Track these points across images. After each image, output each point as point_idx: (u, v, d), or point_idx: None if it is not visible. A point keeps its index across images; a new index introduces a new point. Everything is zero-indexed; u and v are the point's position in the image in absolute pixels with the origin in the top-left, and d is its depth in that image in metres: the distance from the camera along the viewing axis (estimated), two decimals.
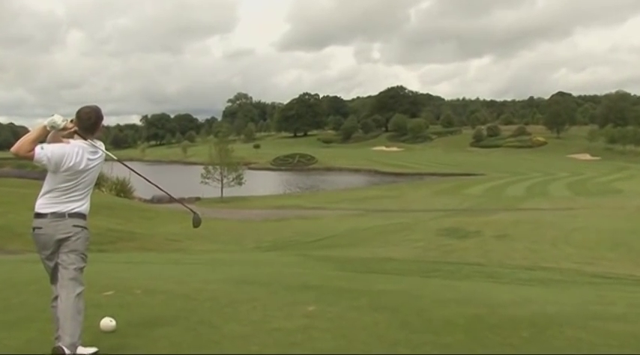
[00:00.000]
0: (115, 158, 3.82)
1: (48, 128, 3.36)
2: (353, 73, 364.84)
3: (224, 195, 42.60)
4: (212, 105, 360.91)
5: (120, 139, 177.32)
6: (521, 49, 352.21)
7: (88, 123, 3.43)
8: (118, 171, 31.08)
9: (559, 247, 15.71)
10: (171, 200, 29.70)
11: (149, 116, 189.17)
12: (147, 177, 4.43)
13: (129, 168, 4.54)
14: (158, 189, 4.20)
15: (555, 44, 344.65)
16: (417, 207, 33.79)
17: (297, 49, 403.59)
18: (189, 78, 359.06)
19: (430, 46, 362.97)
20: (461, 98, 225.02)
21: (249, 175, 59.60)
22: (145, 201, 38.27)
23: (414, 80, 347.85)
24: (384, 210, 32.33)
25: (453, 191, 45.49)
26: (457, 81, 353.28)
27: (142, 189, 37.30)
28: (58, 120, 3.36)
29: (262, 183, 64.77)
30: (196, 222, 4.10)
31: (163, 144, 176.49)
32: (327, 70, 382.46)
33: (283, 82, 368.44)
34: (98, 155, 3.49)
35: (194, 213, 4.07)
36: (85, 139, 3.42)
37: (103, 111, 3.55)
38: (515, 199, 37.56)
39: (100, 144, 3.52)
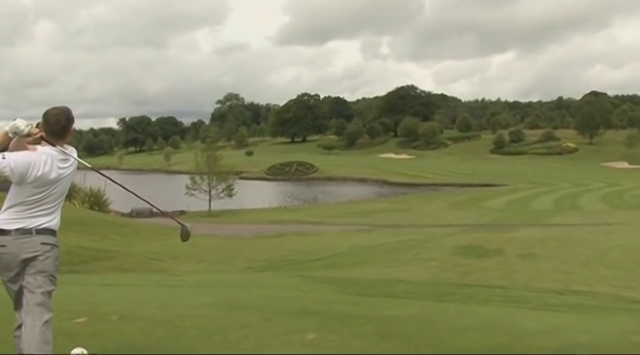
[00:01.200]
0: (88, 166, 3.80)
1: (10, 134, 3.33)
2: (359, 70, 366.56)
3: (212, 208, 42.58)
4: (199, 106, 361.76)
5: (94, 145, 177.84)
6: (550, 42, 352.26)
7: (56, 127, 3.39)
8: (91, 181, 31.09)
9: (593, 268, 15.66)
10: (153, 214, 29.52)
11: (128, 119, 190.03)
12: (126, 187, 4.41)
13: (105, 176, 4.52)
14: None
15: (589, 37, 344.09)
16: (430, 221, 33.74)
17: (296, 44, 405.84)
18: (174, 76, 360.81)
19: (446, 40, 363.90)
20: (480, 99, 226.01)
21: (240, 186, 59.60)
22: (123, 215, 38.24)
23: (427, 78, 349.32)
24: (393, 225, 32.27)
25: (471, 204, 45.44)
26: (476, 79, 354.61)
27: (119, 202, 37.30)
28: (22, 125, 3.32)
29: (255, 195, 64.71)
30: (185, 235, 4.08)
31: (144, 151, 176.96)
32: (329, 67, 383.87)
33: (280, 81, 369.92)
34: (69, 163, 3.44)
35: (182, 225, 4.05)
36: (54, 145, 3.38)
37: (75, 113, 3.52)
38: (542, 213, 37.51)
39: (72, 151, 3.48)
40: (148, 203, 4.27)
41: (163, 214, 4.86)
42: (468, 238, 22.13)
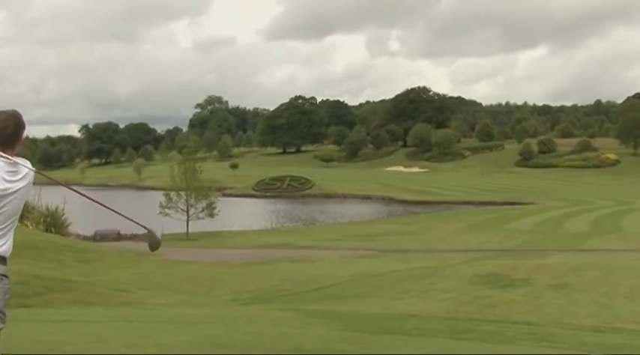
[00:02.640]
0: (49, 178, 3.78)
1: None
2: (363, 69, 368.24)
3: (191, 230, 42.49)
4: (176, 111, 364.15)
5: (52, 156, 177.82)
6: (589, 36, 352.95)
7: (4, 134, 3.37)
8: (48, 198, 31.01)
9: (638, 302, 15.63)
10: (120, 237, 29.52)
11: (91, 125, 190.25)
12: (95, 201, 4.34)
13: (76, 191, 4.43)
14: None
15: (635, 30, 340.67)
16: (446, 246, 33.71)
17: (290, 38, 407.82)
18: (147, 75, 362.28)
19: (466, 34, 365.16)
20: (504, 102, 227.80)
21: (223, 204, 59.46)
22: (85, 238, 38.13)
23: (442, 79, 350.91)
24: (402, 249, 32.23)
25: (494, 225, 45.43)
26: (500, 80, 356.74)
27: (80, 223, 37.21)
28: None
29: (241, 215, 64.58)
30: (153, 244, 4.03)
31: (110, 163, 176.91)
32: (328, 65, 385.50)
33: (271, 82, 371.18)
34: (21, 176, 3.41)
35: (148, 230, 3.98)
36: (2, 156, 3.36)
37: (29, 117, 3.51)
38: (578, 236, 37.51)
39: (25, 162, 3.45)
40: (130, 219, 4.18)
41: (131, 221, 4.71)
42: (490, 265, 22.09)
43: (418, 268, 23.32)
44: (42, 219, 32.49)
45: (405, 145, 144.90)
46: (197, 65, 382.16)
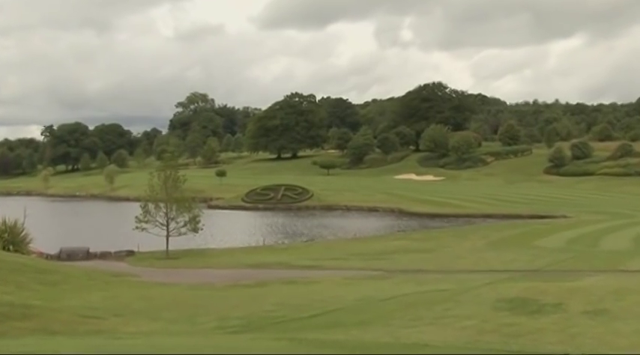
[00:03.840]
0: None
1: None
2: (370, 62, 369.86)
3: (171, 247, 42.41)
4: (154, 110, 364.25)
5: (9, 162, 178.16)
6: (632, 24, 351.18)
7: None
8: (5, 210, 31.03)
9: None
10: (90, 255, 29.73)
11: (56, 127, 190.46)
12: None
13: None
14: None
15: None
16: (465, 265, 33.64)
17: (287, 27, 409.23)
18: (122, 69, 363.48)
19: (489, 22, 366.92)
20: (532, 101, 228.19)
21: (209, 217, 59.31)
22: (49, 257, 38.06)
23: (461, 73, 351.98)
24: (414, 270, 32.17)
25: (520, 242, 45.36)
26: (528, 74, 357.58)
27: (44, 239, 37.17)
28: None
29: (229, 230, 64.52)
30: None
31: (78, 170, 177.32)
32: (331, 58, 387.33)
33: (264, 77, 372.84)
34: None
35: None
36: None
37: None
38: (617, 255, 37.42)
39: None
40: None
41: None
42: (515, 288, 22.06)
43: (433, 291, 23.26)
44: None
45: (417, 150, 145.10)
46: (179, 58, 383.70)
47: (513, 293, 20.50)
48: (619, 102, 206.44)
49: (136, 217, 42.92)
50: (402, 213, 78.40)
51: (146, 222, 42.80)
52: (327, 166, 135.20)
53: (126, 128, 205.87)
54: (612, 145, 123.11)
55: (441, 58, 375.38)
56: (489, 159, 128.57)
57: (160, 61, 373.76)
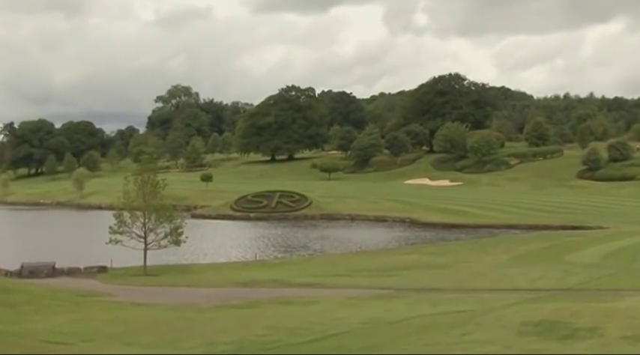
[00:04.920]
0: None
1: None
2: (379, 51, 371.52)
3: (150, 262, 42.36)
4: (131, 106, 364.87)
5: None
6: None
7: None
8: None
9: None
10: (55, 272, 29.72)
11: (17, 125, 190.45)
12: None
13: None
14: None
15: None
16: (486, 283, 33.64)
17: (284, 10, 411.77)
18: (93, 59, 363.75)
19: (516, 4, 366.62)
20: (562, 95, 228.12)
21: (193, 228, 59.13)
22: (8, 273, 38.02)
23: (483, 63, 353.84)
24: (428, 288, 32.16)
25: (549, 256, 45.35)
26: (559, 65, 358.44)
27: (3, 253, 37.12)
28: None
29: (216, 242, 64.47)
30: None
31: (42, 174, 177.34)
32: (334, 46, 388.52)
33: (257, 68, 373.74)
34: None
35: None
36: None
37: None
38: None
39: None
40: None
41: None
42: (544, 310, 22.06)
43: (449, 313, 23.26)
44: None
45: (431, 151, 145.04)
46: (160, 45, 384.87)
47: (541, 316, 20.47)
48: None
49: (110, 228, 42.86)
50: (413, 224, 78.34)
51: (121, 233, 42.73)
52: (328, 170, 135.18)
53: (98, 126, 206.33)
54: None
55: (459, 46, 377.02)
56: (514, 161, 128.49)
57: (137, 48, 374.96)
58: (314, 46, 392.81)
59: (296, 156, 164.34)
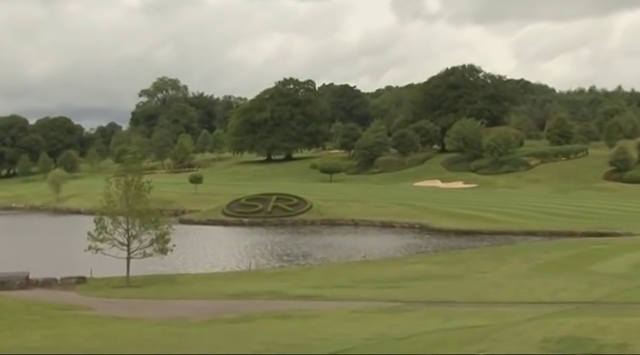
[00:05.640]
0: None
1: None
2: (386, 40, 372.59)
3: (133, 272, 42.38)
4: (113, 100, 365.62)
5: None
6: None
7: None
8: None
9: None
10: (29, 283, 29.76)
11: None
12: None
13: None
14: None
15: None
16: (503, 296, 33.62)
17: None
18: (72, 49, 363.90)
19: None
20: (588, 88, 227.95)
21: (181, 235, 59.08)
22: None
23: (500, 54, 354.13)
24: (440, 301, 32.15)
25: (573, 266, 45.33)
26: (584, 55, 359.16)
27: None
28: None
29: (206, 250, 64.51)
30: None
31: (15, 175, 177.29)
32: (337, 34, 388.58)
33: (252, 58, 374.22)
34: None
35: None
36: None
37: None
38: None
39: None
40: None
41: None
42: (568, 325, 22.07)
43: (463, 328, 23.26)
44: None
45: (442, 150, 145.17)
46: (145, 34, 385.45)
47: (565, 331, 20.45)
48: None
49: (89, 235, 42.89)
50: (423, 230, 78.35)
51: (101, 240, 42.74)
52: (330, 171, 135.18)
53: (76, 122, 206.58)
54: None
55: (474, 35, 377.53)
56: (534, 161, 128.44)
57: (120, 38, 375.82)
58: (314, 35, 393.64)
59: (294, 155, 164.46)
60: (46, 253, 61.10)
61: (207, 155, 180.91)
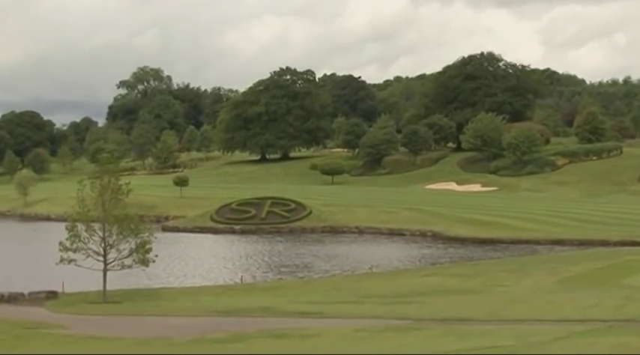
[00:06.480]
0: None
1: None
2: (396, 25, 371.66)
3: (110, 286, 42.40)
4: (88, 93, 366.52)
5: None
6: None
7: None
8: None
9: None
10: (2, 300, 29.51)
11: None
12: None
13: None
14: None
15: None
16: (526, 312, 33.63)
17: None
18: (43, 36, 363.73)
19: None
20: (622, 79, 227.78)
21: (164, 243, 59.00)
22: None
23: (524, 40, 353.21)
24: (455, 318, 32.16)
25: (605, 279, 45.31)
26: (619, 42, 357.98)
27: None
28: None
29: (193, 261, 64.45)
30: None
31: None
32: (341, 19, 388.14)
33: (244, 46, 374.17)
34: None
35: None
36: None
37: None
38: None
39: None
40: None
41: None
42: (599, 345, 22.09)
43: (481, 349, 23.27)
44: None
45: (458, 148, 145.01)
46: (124, 19, 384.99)
47: (596, 352, 20.43)
48: None
49: (61, 244, 42.92)
50: (437, 238, 78.33)
51: (74, 250, 42.76)
52: (332, 172, 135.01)
53: (46, 117, 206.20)
54: None
55: (496, 19, 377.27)
56: (561, 161, 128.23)
57: (97, 23, 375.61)
58: (316, 19, 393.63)
59: (291, 154, 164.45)
60: (12, 264, 61.10)
61: (194, 154, 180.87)
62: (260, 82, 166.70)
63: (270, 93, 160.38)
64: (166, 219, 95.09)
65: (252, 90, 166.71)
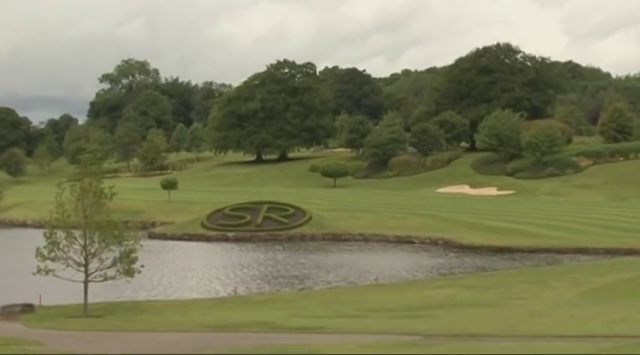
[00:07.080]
0: None
1: None
2: (405, 14, 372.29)
3: (92, 298, 42.44)
4: (67, 88, 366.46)
5: None
6: None
7: None
8: None
9: None
10: None
11: None
12: None
13: None
14: None
15: None
16: (547, 328, 33.66)
17: None
18: (18, 27, 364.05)
19: None
20: None
21: (151, 252, 59.03)
22: None
23: (544, 30, 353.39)
24: (469, 334, 32.20)
25: (633, 291, 45.34)
26: None
27: None
28: None
29: (183, 272, 64.50)
30: None
31: None
32: (344, 7, 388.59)
33: (239, 37, 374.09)
34: None
35: None
36: None
37: None
38: None
39: None
40: None
41: None
42: None
43: None
44: None
45: (472, 148, 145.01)
46: (108, 7, 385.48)
47: None
48: None
49: (38, 253, 42.96)
50: (448, 246, 78.43)
51: (53, 259, 42.79)
52: (334, 174, 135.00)
53: (22, 115, 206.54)
54: None
55: (513, 7, 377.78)
56: (584, 162, 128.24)
57: (77, 12, 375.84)
58: (317, 7, 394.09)
59: (290, 155, 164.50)
60: None
61: (183, 154, 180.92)
62: (255, 76, 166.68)
63: (267, 88, 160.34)
64: (153, 225, 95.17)
65: (247, 84, 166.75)
